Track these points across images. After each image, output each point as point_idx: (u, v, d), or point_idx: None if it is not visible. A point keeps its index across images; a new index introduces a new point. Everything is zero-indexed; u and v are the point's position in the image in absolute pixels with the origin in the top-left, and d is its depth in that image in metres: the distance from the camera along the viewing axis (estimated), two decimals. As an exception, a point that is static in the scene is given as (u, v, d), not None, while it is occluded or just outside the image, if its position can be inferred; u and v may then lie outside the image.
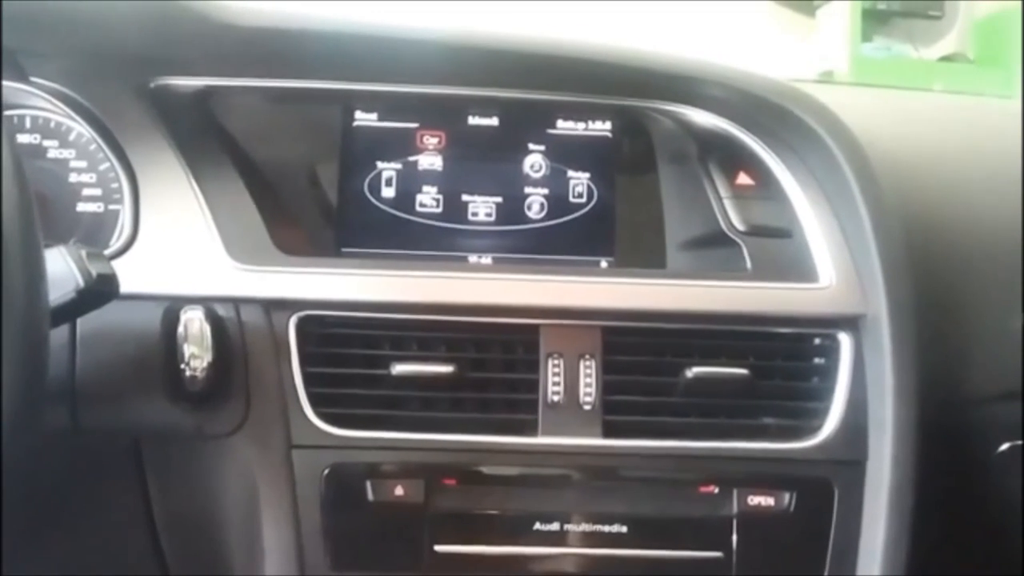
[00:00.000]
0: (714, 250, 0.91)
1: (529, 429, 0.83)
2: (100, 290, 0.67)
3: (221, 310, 0.81)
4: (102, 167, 0.87)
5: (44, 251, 0.58)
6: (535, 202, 0.93)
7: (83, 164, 0.88)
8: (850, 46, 3.39)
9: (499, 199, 0.93)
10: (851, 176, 0.85)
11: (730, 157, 0.93)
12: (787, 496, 0.84)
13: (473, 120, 0.93)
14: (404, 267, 0.85)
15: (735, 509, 0.84)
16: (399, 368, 0.82)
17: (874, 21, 3.51)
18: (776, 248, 0.90)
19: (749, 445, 0.85)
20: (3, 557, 0.65)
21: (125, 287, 0.71)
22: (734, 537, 0.84)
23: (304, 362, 0.82)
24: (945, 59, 3.59)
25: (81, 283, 0.65)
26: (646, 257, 0.93)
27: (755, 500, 0.84)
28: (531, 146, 0.93)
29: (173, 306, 0.79)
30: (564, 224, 0.93)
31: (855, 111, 0.90)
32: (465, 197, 0.93)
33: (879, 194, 0.85)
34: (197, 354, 0.78)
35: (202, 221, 0.83)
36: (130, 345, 0.79)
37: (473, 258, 0.92)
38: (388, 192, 0.92)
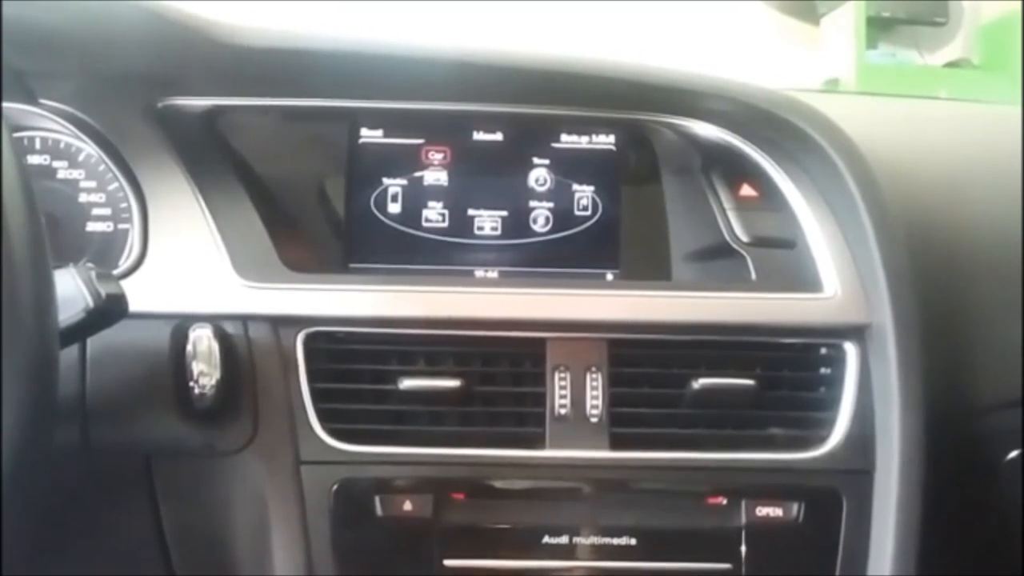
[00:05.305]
0: (719, 261, 0.91)
1: (536, 442, 0.84)
2: (109, 310, 0.67)
3: (229, 327, 0.81)
4: (111, 187, 0.88)
5: (54, 272, 0.59)
6: (540, 216, 0.93)
7: (92, 184, 0.88)
8: (855, 53, 3.39)
9: (505, 213, 0.93)
10: (854, 186, 0.85)
11: (733, 169, 0.93)
12: (795, 506, 0.84)
13: (478, 135, 0.94)
14: (411, 282, 0.86)
15: (743, 520, 0.84)
16: (407, 383, 0.82)
17: (879, 28, 3.51)
18: (780, 258, 0.90)
19: (757, 456, 0.85)
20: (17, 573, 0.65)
21: (134, 306, 0.72)
22: (743, 548, 0.84)
23: (312, 378, 0.82)
24: (950, 65, 3.58)
25: (91, 303, 0.65)
26: (651, 269, 0.93)
27: (763, 511, 0.84)
28: (536, 160, 0.94)
29: (182, 324, 0.80)
30: (569, 237, 0.93)
31: (859, 120, 0.91)
32: (471, 212, 0.93)
33: (882, 204, 0.85)
34: (206, 371, 0.78)
35: (210, 239, 0.84)
36: (139, 363, 0.80)
37: (479, 272, 0.92)
38: (394, 208, 0.93)
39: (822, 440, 0.85)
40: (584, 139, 0.94)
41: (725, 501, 0.85)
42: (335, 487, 0.82)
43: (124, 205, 0.87)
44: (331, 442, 0.82)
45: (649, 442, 0.84)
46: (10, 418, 0.53)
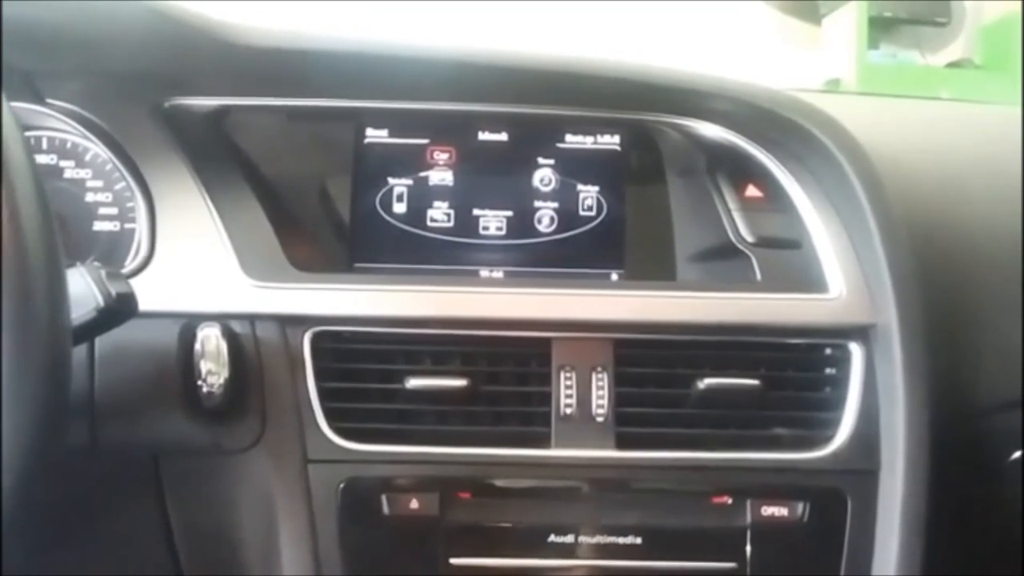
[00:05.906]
0: (723, 262, 0.92)
1: (542, 442, 0.84)
2: (120, 309, 0.68)
3: (237, 326, 0.82)
4: (118, 186, 0.88)
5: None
6: (545, 216, 0.94)
7: (99, 184, 0.89)
8: (856, 54, 3.39)
9: (510, 213, 0.93)
10: (859, 186, 0.85)
11: (738, 169, 0.93)
12: (800, 506, 0.85)
13: (483, 135, 0.94)
14: (417, 282, 0.86)
15: (748, 520, 0.84)
16: (413, 382, 0.83)
17: (880, 28, 3.51)
18: (785, 259, 0.90)
19: (762, 456, 0.85)
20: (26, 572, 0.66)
21: (142, 305, 0.72)
22: (748, 548, 0.84)
23: (319, 377, 0.83)
24: (952, 65, 3.59)
25: (101, 302, 0.66)
26: (656, 269, 0.93)
27: (768, 510, 0.84)
28: (541, 160, 0.94)
29: (190, 323, 0.81)
30: (574, 237, 0.94)
31: (862, 120, 0.91)
32: (476, 211, 0.93)
33: (887, 204, 0.86)
34: (214, 370, 0.79)
35: (217, 238, 0.84)
36: (148, 362, 0.80)
37: (485, 272, 0.93)
38: (400, 207, 0.93)
39: (827, 440, 0.85)
40: (589, 139, 0.94)
41: (730, 501, 0.85)
42: (342, 486, 0.82)
43: (131, 204, 0.87)
44: (338, 441, 0.82)
45: (654, 442, 0.84)
46: (24, 416, 0.53)
